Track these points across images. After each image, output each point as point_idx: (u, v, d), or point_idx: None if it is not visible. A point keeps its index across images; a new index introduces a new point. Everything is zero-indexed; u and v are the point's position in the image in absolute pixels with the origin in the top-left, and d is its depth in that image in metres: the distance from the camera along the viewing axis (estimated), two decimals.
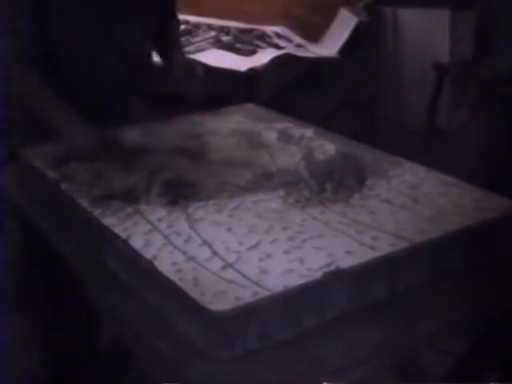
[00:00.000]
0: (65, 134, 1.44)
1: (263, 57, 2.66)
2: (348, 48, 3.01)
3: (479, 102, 1.65)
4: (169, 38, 1.79)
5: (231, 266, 1.04)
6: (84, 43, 1.56)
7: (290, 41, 2.96)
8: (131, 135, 1.51)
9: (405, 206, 1.22)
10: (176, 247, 1.10)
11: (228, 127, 1.58)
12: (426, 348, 1.16)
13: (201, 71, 1.71)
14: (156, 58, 1.84)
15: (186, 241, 1.12)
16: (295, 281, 1.00)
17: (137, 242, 1.12)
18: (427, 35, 3.19)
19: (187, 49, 2.71)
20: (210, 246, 1.10)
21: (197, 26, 2.94)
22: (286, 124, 1.61)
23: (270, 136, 1.53)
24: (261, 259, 1.06)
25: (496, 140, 1.56)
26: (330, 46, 3.01)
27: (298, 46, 2.97)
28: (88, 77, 1.59)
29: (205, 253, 1.08)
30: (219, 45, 2.77)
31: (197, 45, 2.74)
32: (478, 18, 2.07)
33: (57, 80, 1.54)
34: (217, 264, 1.05)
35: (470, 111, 1.70)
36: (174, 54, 1.75)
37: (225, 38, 2.84)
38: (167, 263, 1.05)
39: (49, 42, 1.54)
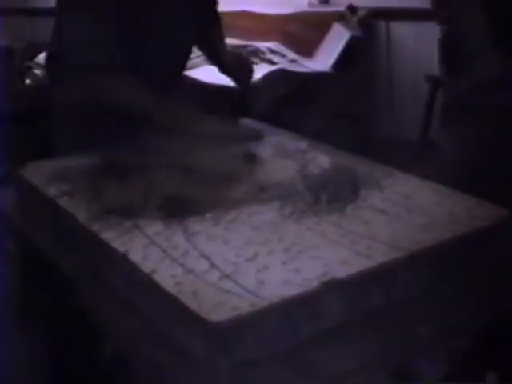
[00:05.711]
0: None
1: (257, 73, 2.68)
2: (342, 62, 3.03)
3: (461, 114, 1.67)
4: (213, 34, 1.95)
5: (229, 277, 1.05)
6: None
7: (283, 56, 2.99)
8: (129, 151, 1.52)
9: (399, 215, 1.24)
10: (174, 260, 1.11)
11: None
12: (423, 356, 1.17)
13: (248, 61, 1.95)
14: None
15: (184, 254, 1.13)
16: (292, 291, 1.01)
17: (135, 256, 1.13)
18: (420, 48, 3.21)
19: None
20: (207, 258, 1.11)
21: None
22: (280, 137, 1.63)
23: (265, 150, 1.54)
24: (258, 270, 1.07)
25: (477, 150, 1.58)
26: (323, 61, 3.04)
27: (292, 61, 3.00)
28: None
29: (203, 265, 1.09)
30: None
31: (190, 62, 2.75)
32: (444, 33, 2.09)
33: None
34: (214, 276, 1.06)
35: (455, 123, 1.72)
36: (219, 48, 1.95)
37: None
38: (166, 276, 1.07)
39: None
